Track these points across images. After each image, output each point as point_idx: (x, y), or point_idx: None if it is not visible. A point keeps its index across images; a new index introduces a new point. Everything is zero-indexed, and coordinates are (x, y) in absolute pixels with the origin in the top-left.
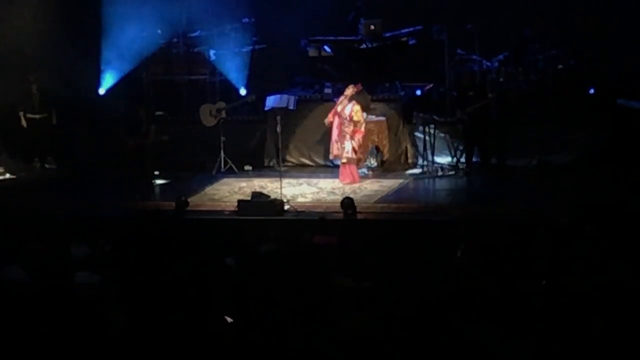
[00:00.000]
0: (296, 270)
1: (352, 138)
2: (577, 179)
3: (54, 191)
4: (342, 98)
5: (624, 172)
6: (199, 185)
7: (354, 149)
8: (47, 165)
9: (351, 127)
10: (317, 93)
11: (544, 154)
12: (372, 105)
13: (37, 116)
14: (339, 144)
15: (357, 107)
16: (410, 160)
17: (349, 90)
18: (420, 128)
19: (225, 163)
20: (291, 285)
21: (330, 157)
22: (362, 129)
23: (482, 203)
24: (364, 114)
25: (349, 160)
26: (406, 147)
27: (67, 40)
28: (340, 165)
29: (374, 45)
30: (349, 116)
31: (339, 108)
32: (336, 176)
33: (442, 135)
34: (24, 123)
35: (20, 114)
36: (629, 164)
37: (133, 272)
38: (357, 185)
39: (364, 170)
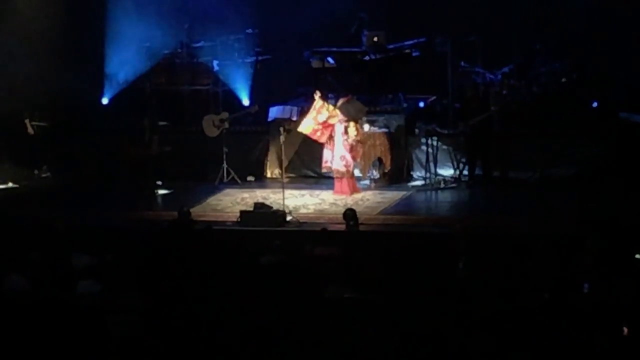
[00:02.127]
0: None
1: (353, 150)
2: (580, 192)
3: (56, 200)
4: (319, 106)
5: (627, 186)
6: (201, 196)
7: (354, 159)
8: (49, 175)
9: (356, 143)
10: None
11: (547, 167)
12: (374, 117)
13: (39, 123)
14: (342, 159)
15: (350, 124)
16: (412, 172)
17: (340, 102)
18: (423, 140)
19: (228, 173)
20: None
21: (334, 174)
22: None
23: (484, 216)
24: (367, 126)
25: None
26: (409, 159)
27: (71, 49)
28: (337, 179)
29: (378, 56)
30: (348, 136)
31: (320, 118)
32: None
33: (445, 147)
34: (30, 130)
35: (26, 121)
36: (632, 177)
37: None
38: (359, 196)
39: (367, 182)
